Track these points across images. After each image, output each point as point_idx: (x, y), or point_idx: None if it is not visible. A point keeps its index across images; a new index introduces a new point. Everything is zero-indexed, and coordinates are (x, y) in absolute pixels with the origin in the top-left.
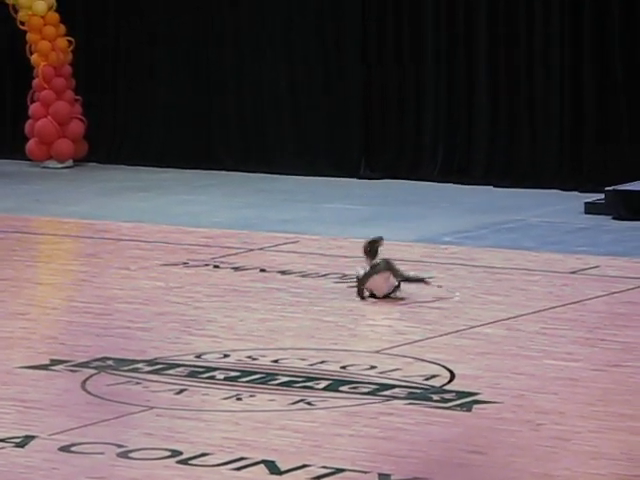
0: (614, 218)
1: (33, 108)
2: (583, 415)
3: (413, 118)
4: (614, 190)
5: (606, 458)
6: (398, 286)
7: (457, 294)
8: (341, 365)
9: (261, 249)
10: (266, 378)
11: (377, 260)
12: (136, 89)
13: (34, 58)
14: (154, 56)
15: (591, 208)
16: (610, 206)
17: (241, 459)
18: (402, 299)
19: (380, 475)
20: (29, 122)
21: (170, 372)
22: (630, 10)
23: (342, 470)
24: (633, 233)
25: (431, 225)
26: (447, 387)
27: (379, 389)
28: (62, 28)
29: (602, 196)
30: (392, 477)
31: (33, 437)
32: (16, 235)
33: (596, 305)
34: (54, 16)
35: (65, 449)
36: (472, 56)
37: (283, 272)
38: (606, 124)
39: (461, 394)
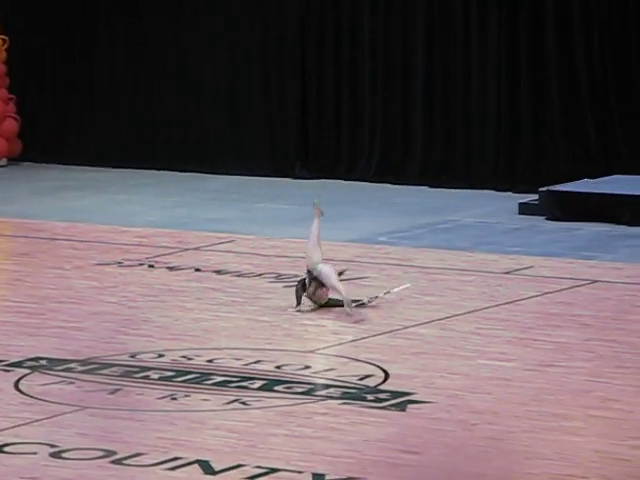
0: (548, 219)
1: None
2: (517, 415)
3: (349, 119)
4: (548, 191)
5: (539, 458)
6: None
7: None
8: (276, 365)
9: (196, 249)
10: (201, 378)
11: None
12: (72, 88)
13: None
14: (92, 55)
15: (525, 209)
16: (544, 207)
17: (175, 459)
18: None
19: (314, 475)
20: None
21: (104, 372)
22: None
23: (276, 470)
24: (567, 234)
25: (366, 225)
26: (381, 387)
27: (313, 389)
28: None
29: (536, 197)
30: (326, 477)
31: None
32: None
33: (530, 305)
34: None
35: None
36: (408, 56)
37: (218, 272)
38: (541, 125)
39: (395, 394)
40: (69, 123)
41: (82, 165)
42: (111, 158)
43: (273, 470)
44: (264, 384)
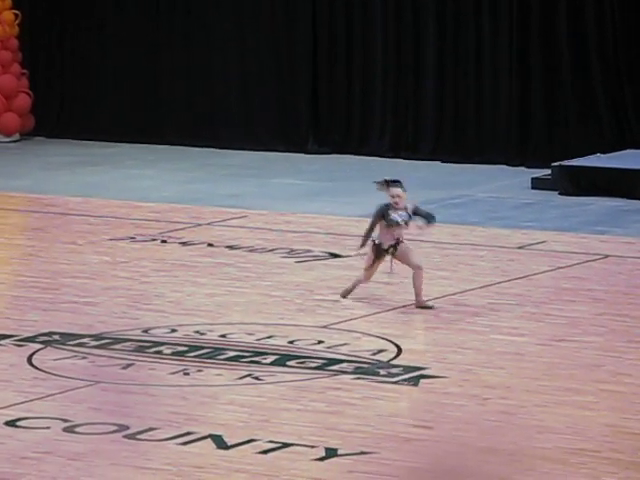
0: (560, 193)
1: None
2: (529, 389)
3: (362, 94)
4: (560, 166)
5: (551, 432)
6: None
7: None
8: (289, 340)
9: (209, 224)
10: (214, 353)
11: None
12: (84, 64)
13: None
14: (102, 32)
15: (538, 183)
16: (556, 182)
17: (188, 434)
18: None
19: (327, 449)
20: None
21: (117, 347)
22: None
23: (289, 445)
24: (579, 208)
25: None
26: (394, 362)
27: (327, 364)
28: (8, 1)
29: (549, 171)
30: (339, 451)
31: None
32: None
33: (542, 280)
34: None
35: (11, 424)
36: (420, 33)
37: (231, 247)
38: (553, 100)
39: (408, 369)
40: (81, 99)
41: (95, 140)
42: (124, 133)
43: (286, 445)
44: (277, 359)
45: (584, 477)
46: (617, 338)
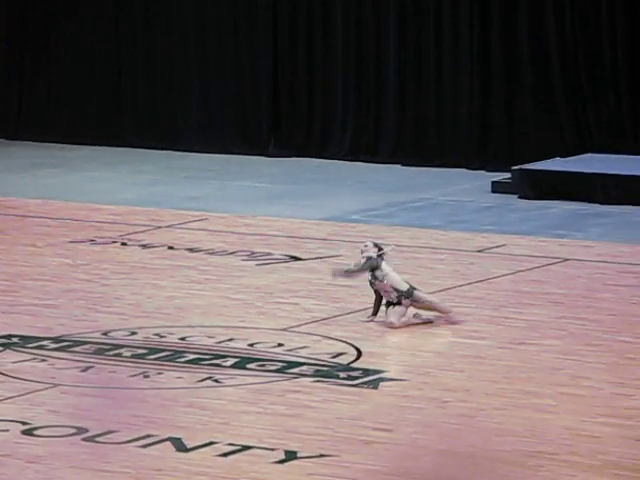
0: (520, 197)
1: None
2: (488, 392)
3: (322, 97)
4: (520, 169)
5: (510, 435)
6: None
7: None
8: (249, 343)
9: (169, 226)
10: (174, 356)
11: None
12: (43, 66)
13: None
14: (60, 32)
15: (498, 187)
16: (516, 185)
17: (147, 436)
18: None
19: (287, 452)
20: None
21: (76, 349)
22: None
23: (249, 447)
24: (539, 212)
25: (339, 203)
26: (354, 365)
27: (286, 367)
28: None
29: (509, 175)
30: (298, 454)
31: None
32: None
33: (502, 283)
34: None
35: None
36: (381, 36)
37: (191, 249)
38: (513, 104)
39: (368, 372)
40: (40, 101)
41: (54, 142)
42: (84, 136)
43: (246, 447)
44: (237, 362)
45: None
46: (576, 341)
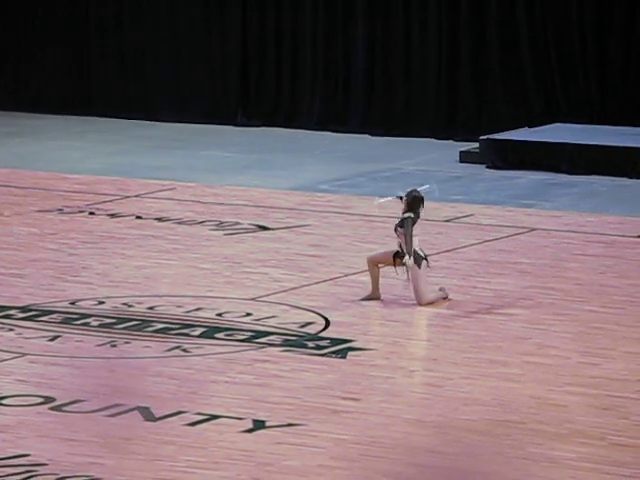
0: (488, 167)
1: None
2: (455, 362)
3: (291, 67)
4: (488, 139)
5: (478, 404)
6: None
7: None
8: (217, 312)
9: (137, 196)
10: (141, 325)
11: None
12: (11, 34)
13: None
14: (31, 2)
15: (466, 157)
16: (484, 155)
17: (115, 406)
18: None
19: (255, 421)
20: None
21: (44, 319)
22: None
23: (217, 417)
24: (507, 182)
25: (308, 173)
26: (322, 334)
27: (255, 336)
28: None
29: (477, 145)
30: (267, 423)
31: None
32: None
33: (470, 253)
34: None
35: None
36: (350, 7)
37: (159, 219)
38: (481, 74)
39: (336, 341)
40: (7, 70)
41: (22, 112)
42: (51, 105)
43: (214, 417)
44: (205, 331)
45: (509, 448)
46: (543, 311)
